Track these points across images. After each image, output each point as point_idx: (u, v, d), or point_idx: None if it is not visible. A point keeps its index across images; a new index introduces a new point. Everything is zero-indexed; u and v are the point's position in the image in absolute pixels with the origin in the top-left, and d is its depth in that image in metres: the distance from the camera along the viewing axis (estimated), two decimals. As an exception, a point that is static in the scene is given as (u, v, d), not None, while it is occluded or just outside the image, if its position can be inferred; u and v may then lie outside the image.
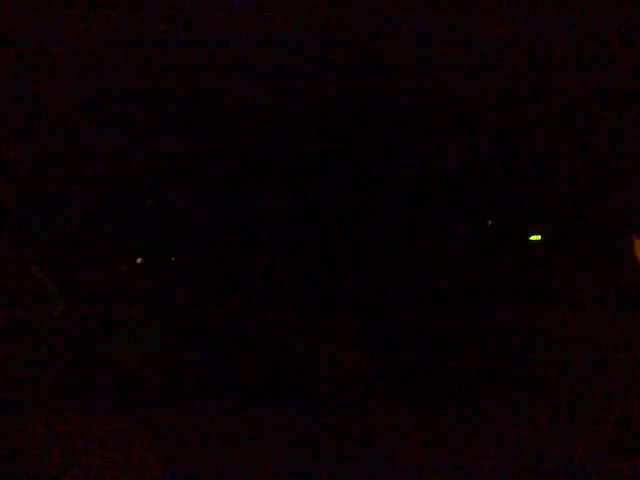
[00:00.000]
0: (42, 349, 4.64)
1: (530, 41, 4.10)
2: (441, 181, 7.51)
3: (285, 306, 6.41)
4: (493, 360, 4.98)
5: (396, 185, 7.19)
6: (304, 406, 4.58)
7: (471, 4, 3.75)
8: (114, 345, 4.92)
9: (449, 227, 9.09)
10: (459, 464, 3.75)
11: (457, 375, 4.89)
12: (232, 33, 4.10)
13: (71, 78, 4.74)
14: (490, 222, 8.81)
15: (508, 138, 5.61)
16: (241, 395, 4.73)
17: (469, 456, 3.83)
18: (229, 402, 4.54)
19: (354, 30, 4.06)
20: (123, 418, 4.25)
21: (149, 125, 6.00)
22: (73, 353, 4.72)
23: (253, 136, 6.28)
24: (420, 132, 5.98)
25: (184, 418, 4.33)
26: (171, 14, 3.91)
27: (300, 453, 3.93)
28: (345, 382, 5.13)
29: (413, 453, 3.87)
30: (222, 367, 5.06)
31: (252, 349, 5.42)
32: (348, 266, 7.95)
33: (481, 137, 5.73)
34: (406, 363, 5.28)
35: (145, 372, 4.89)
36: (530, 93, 4.90)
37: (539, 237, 8.52)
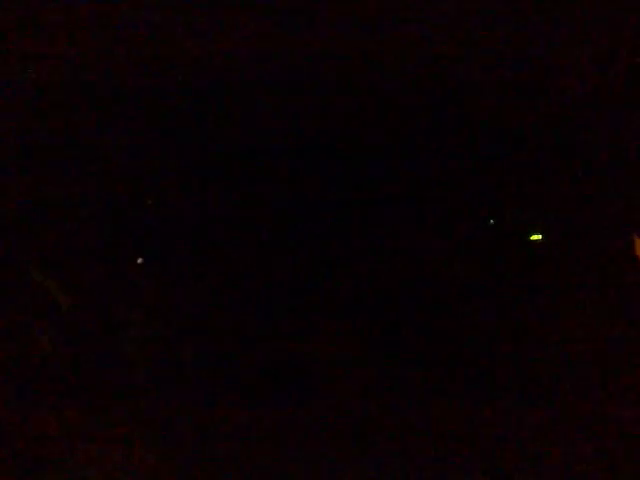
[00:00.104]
0: (44, 349, 4.65)
1: (530, 41, 4.10)
2: (441, 181, 7.51)
3: (285, 306, 6.42)
4: (492, 359, 4.99)
5: (396, 185, 7.18)
6: (304, 405, 4.59)
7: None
8: (115, 344, 4.93)
9: (449, 227, 9.09)
10: (459, 464, 3.76)
11: (457, 375, 4.90)
12: (230, 31, 4.09)
13: (72, 75, 4.73)
14: (492, 221, 8.82)
15: (508, 138, 5.61)
16: (241, 395, 4.73)
17: (469, 456, 3.84)
18: (229, 402, 4.55)
19: (352, 29, 4.04)
20: (123, 417, 4.26)
21: (148, 124, 6.00)
22: (74, 352, 4.72)
23: (253, 136, 6.28)
24: (420, 132, 5.98)
25: (184, 418, 4.34)
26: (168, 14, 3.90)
27: (300, 453, 3.94)
28: (345, 382, 5.14)
29: (413, 452, 3.88)
30: (222, 367, 5.06)
31: (252, 349, 5.43)
32: (348, 266, 7.95)
33: (481, 136, 5.73)
34: (406, 363, 5.29)
35: (145, 371, 4.90)
36: (530, 93, 4.90)
37: (539, 237, 8.51)
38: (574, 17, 3.75)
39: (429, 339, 5.53)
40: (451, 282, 6.94)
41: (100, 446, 3.97)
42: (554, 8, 3.67)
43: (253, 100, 5.27)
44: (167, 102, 5.30)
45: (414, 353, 5.41)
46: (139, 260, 6.32)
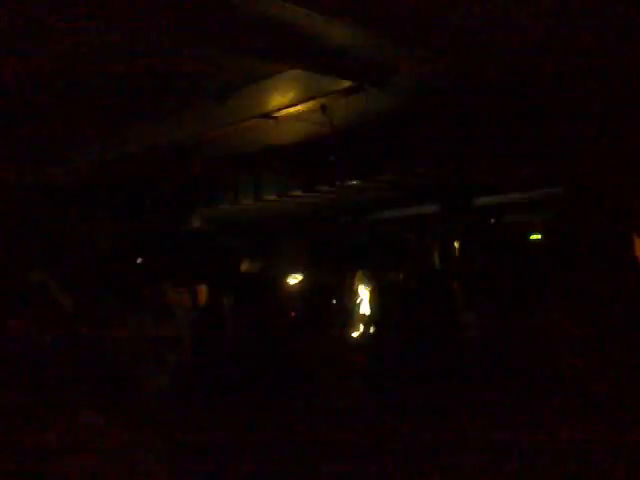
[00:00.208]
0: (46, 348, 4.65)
1: (531, 41, 4.09)
2: (441, 182, 7.52)
3: (286, 309, 6.44)
4: (492, 359, 4.99)
5: (396, 185, 7.20)
6: (305, 408, 4.59)
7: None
8: (116, 345, 4.94)
9: (449, 227, 9.09)
10: (459, 466, 3.76)
11: (457, 375, 4.90)
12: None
13: None
14: (492, 220, 8.84)
15: (508, 137, 5.61)
16: (241, 395, 4.74)
17: (469, 457, 3.84)
18: (229, 402, 4.55)
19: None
20: (123, 417, 4.27)
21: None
22: (77, 353, 4.73)
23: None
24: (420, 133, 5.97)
25: (185, 419, 4.34)
26: None
27: (299, 453, 3.94)
28: (346, 384, 5.14)
29: (415, 454, 3.89)
30: (223, 369, 5.07)
31: (253, 350, 5.43)
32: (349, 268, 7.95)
33: (481, 136, 5.73)
34: (406, 363, 5.29)
35: (145, 372, 4.90)
36: (530, 93, 4.90)
37: (539, 236, 8.52)
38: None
39: (429, 338, 5.53)
40: (451, 281, 6.95)
41: (100, 445, 3.98)
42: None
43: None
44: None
45: (414, 353, 5.41)
46: (139, 260, 6.33)
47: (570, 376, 4.33)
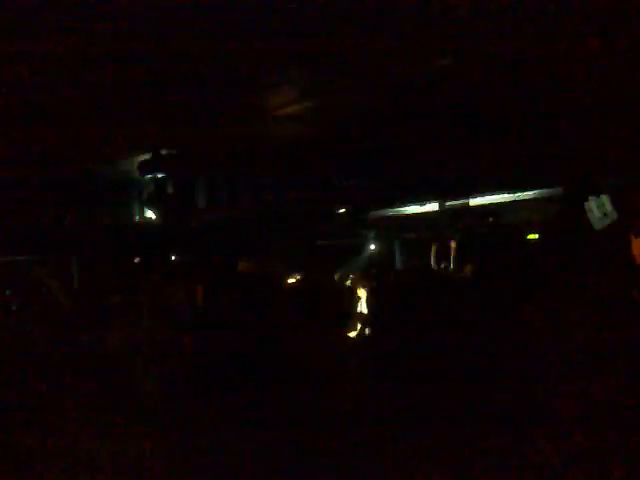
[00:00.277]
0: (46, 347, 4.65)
1: (530, 42, 4.10)
2: (441, 181, 7.52)
3: (284, 306, 6.42)
4: (490, 360, 4.98)
5: (396, 185, 7.19)
6: (302, 406, 4.59)
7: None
8: (114, 342, 4.93)
9: (449, 227, 9.09)
10: (459, 466, 3.76)
11: (457, 376, 4.89)
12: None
13: None
14: (491, 219, 8.85)
15: (507, 137, 5.61)
16: (241, 395, 4.73)
17: (469, 457, 3.84)
18: (228, 401, 4.55)
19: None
20: (121, 416, 4.26)
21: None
22: (75, 351, 4.73)
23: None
24: (419, 130, 5.97)
25: (185, 419, 4.34)
26: None
27: (299, 453, 3.94)
28: (344, 384, 5.13)
29: (412, 456, 3.89)
30: (220, 366, 5.06)
31: (250, 348, 5.42)
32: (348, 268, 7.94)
33: (481, 135, 5.73)
34: (406, 364, 5.28)
35: (143, 370, 4.90)
36: (530, 92, 4.91)
37: (536, 235, 8.53)
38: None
39: (428, 339, 5.52)
40: (450, 280, 6.94)
41: (99, 444, 3.97)
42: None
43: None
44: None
45: (413, 353, 5.40)
46: (137, 260, 6.33)
47: (567, 376, 4.33)
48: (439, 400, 4.39)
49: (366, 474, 3.77)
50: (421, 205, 8.97)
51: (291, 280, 8.03)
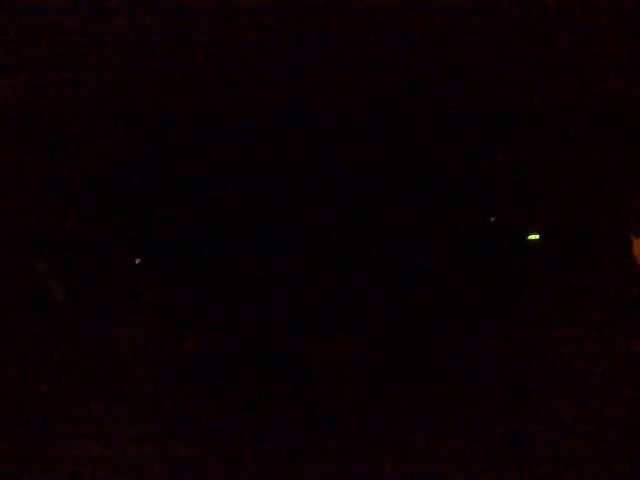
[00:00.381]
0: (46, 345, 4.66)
1: (529, 44, 4.10)
2: (441, 181, 7.51)
3: (284, 306, 6.42)
4: (490, 362, 4.98)
5: (396, 186, 7.19)
6: (302, 406, 4.59)
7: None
8: (115, 341, 4.94)
9: (449, 228, 9.08)
10: (459, 466, 3.76)
11: (456, 378, 4.89)
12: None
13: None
14: (491, 219, 8.83)
15: (507, 137, 5.61)
16: (241, 395, 4.73)
17: (468, 457, 3.84)
18: (228, 401, 4.55)
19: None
20: (121, 415, 4.26)
21: (148, 128, 6.01)
22: (76, 349, 4.73)
23: (251, 138, 6.28)
24: (419, 132, 5.97)
25: (184, 418, 4.34)
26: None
27: (299, 453, 3.94)
28: (344, 383, 5.13)
29: (412, 455, 3.89)
30: (222, 366, 5.06)
31: (250, 347, 5.42)
32: (348, 267, 7.94)
33: (481, 136, 5.73)
34: (405, 365, 5.28)
35: (144, 369, 4.90)
36: (530, 93, 4.91)
37: (537, 236, 8.52)
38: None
39: (428, 340, 5.52)
40: (450, 282, 6.94)
41: (99, 444, 3.98)
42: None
43: (250, 100, 5.28)
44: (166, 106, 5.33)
45: (413, 354, 5.41)
46: (137, 261, 6.32)
47: (567, 376, 4.34)
48: (439, 400, 4.39)
49: (366, 474, 3.77)
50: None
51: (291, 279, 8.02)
